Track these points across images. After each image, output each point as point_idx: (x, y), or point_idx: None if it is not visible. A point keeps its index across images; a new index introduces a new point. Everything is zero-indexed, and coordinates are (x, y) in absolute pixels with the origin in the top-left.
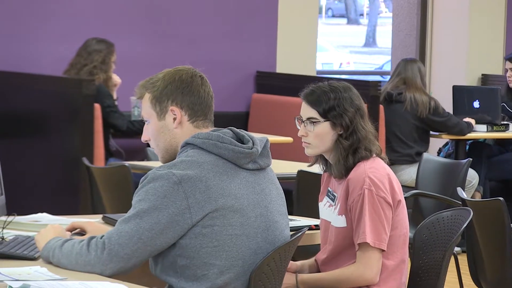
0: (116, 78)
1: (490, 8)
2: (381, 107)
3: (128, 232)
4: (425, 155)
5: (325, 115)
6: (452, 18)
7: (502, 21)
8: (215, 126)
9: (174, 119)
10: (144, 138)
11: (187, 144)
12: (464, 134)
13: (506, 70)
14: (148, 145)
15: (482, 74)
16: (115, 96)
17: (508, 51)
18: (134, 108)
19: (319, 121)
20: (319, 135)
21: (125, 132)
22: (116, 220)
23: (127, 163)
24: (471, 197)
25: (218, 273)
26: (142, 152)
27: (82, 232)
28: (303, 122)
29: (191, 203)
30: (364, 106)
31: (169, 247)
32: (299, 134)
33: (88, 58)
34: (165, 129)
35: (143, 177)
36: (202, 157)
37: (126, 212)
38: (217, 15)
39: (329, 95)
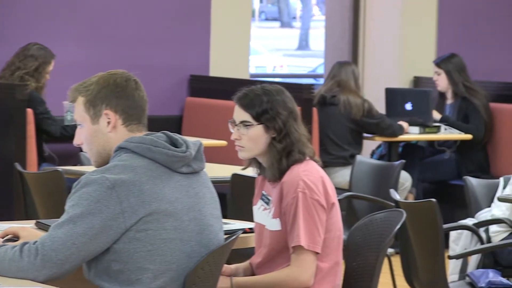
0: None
1: (422, 10)
2: (315, 109)
3: (61, 238)
4: (358, 157)
5: (258, 118)
6: (385, 20)
7: (434, 23)
8: (148, 130)
9: (108, 123)
10: (76, 142)
11: (120, 148)
12: (397, 136)
13: (435, 73)
14: (81, 150)
15: (415, 77)
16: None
17: (440, 53)
18: (67, 113)
19: (252, 124)
20: (252, 138)
21: (59, 138)
22: (50, 226)
23: (60, 168)
24: (404, 199)
25: (152, 277)
26: (75, 157)
27: (14, 238)
28: (237, 125)
29: (124, 207)
30: (297, 109)
31: (103, 251)
32: (233, 137)
33: (22, 61)
34: (98, 133)
35: (76, 182)
36: (136, 161)
37: (59, 218)
38: (150, 19)
39: (262, 98)
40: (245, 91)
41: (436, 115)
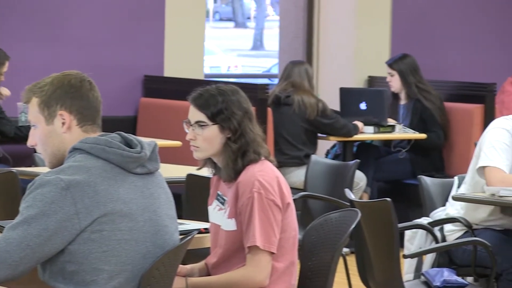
0: (5, 92)
1: (376, 10)
2: (269, 110)
3: (15, 239)
4: (313, 157)
5: (213, 118)
6: (339, 20)
7: (388, 23)
8: (103, 131)
9: (63, 123)
10: (30, 142)
11: (74, 149)
12: (351, 136)
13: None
14: (35, 151)
15: (369, 76)
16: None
17: (394, 53)
18: (22, 114)
19: (207, 125)
20: (207, 139)
21: (13, 139)
22: (4, 227)
23: (14, 169)
24: (359, 198)
25: (107, 278)
26: (29, 158)
27: None
28: (192, 125)
29: (79, 208)
30: (252, 109)
31: (58, 253)
32: (188, 137)
33: None
34: (53, 133)
35: (30, 183)
36: (90, 162)
37: (13, 219)
38: (104, 20)
39: (217, 99)
40: (200, 91)
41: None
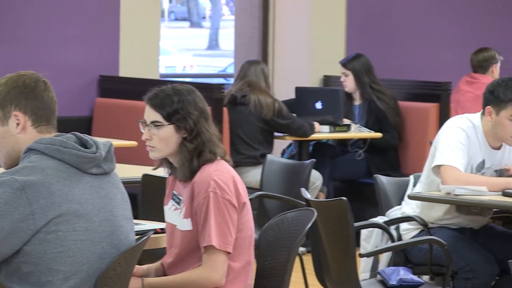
0: None
1: (331, 10)
2: (225, 109)
3: None
4: (269, 156)
5: (169, 118)
6: (294, 20)
7: (343, 22)
8: (58, 131)
9: (18, 124)
10: None
11: (29, 150)
12: (308, 136)
13: (342, 74)
14: None
15: (324, 75)
16: None
17: (349, 52)
18: None
19: (163, 125)
20: (163, 139)
21: None
22: None
23: None
24: (315, 198)
25: (63, 279)
26: None
27: None
28: (147, 125)
29: (34, 209)
30: (208, 109)
31: (13, 253)
32: (143, 137)
33: None
34: (8, 134)
35: None
36: (45, 163)
37: None
38: (59, 19)
39: (172, 99)
40: (155, 91)
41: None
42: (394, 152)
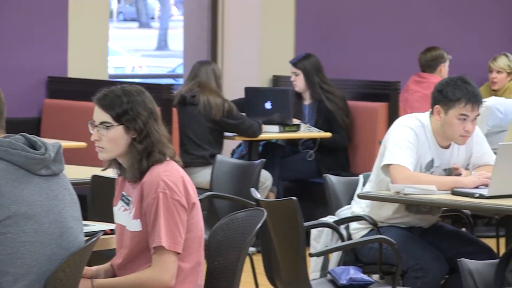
0: None
1: (280, 10)
2: (175, 110)
3: None
4: (219, 156)
5: (118, 119)
6: (243, 20)
7: (292, 22)
8: (6, 133)
9: None
10: None
11: None
12: (257, 136)
13: (292, 73)
14: None
15: (274, 76)
16: None
17: (298, 52)
18: None
19: (113, 125)
20: (112, 139)
21: None
22: None
23: None
24: (265, 197)
25: (12, 281)
26: None
27: None
28: (96, 126)
29: None
30: (158, 110)
31: None
32: (92, 138)
33: None
34: None
35: None
36: None
37: None
38: (6, 20)
39: (122, 99)
40: (105, 92)
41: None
42: (343, 151)
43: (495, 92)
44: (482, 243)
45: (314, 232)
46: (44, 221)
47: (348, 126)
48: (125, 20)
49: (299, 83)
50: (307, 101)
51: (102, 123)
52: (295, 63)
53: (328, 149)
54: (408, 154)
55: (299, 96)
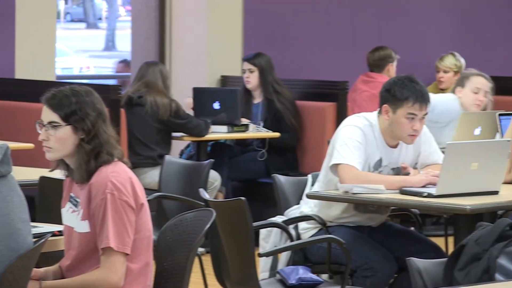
0: None
1: (228, 10)
2: (122, 110)
3: None
4: (167, 157)
5: (66, 119)
6: (191, 21)
7: (239, 22)
8: None
9: None
10: None
11: None
12: (203, 135)
13: (244, 71)
14: None
15: (222, 76)
16: None
17: (246, 52)
18: None
19: (61, 125)
20: (60, 139)
21: None
22: None
23: None
24: (214, 198)
25: None
26: None
27: None
28: (45, 126)
29: None
30: (106, 111)
31: None
32: (40, 138)
33: None
34: None
35: None
36: None
37: None
38: None
39: (70, 99)
40: (53, 92)
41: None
42: (292, 151)
43: (442, 91)
44: (430, 242)
45: (263, 232)
46: None
47: (296, 127)
48: (72, 20)
49: (253, 80)
50: (257, 99)
51: (50, 123)
52: (251, 60)
53: (277, 149)
54: (357, 154)
55: (249, 94)
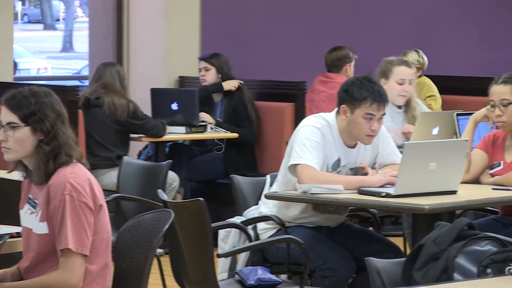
0: None
1: (186, 11)
2: (80, 112)
3: None
4: (125, 158)
5: (25, 120)
6: (148, 21)
7: (197, 23)
8: None
9: None
10: None
11: None
12: (161, 136)
13: (200, 70)
14: None
15: (179, 76)
16: None
17: (204, 52)
18: None
19: (19, 126)
20: (19, 140)
21: None
22: None
23: None
24: (172, 199)
25: None
26: None
27: None
28: (3, 126)
29: None
30: (65, 112)
31: None
32: None
33: None
34: None
35: None
36: None
37: None
38: None
39: (30, 100)
40: (13, 93)
41: (210, 119)
42: (251, 152)
43: None
44: (389, 241)
45: (221, 232)
46: None
47: (255, 122)
48: (29, 22)
49: (208, 78)
50: (217, 98)
51: (9, 123)
52: (207, 59)
53: (235, 147)
54: (315, 154)
55: (206, 91)
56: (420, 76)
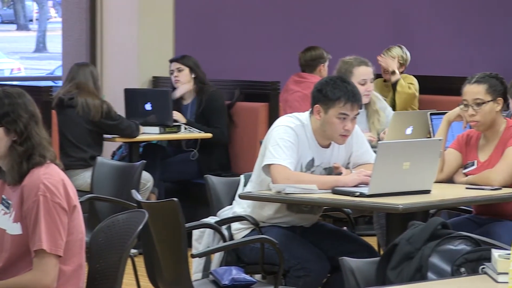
0: None
1: (159, 11)
2: (54, 112)
3: None
4: (99, 158)
5: None
6: (122, 22)
7: (170, 23)
8: None
9: None
10: None
11: None
12: (134, 136)
13: (172, 72)
14: None
15: (153, 77)
16: None
17: (178, 53)
18: None
19: None
20: None
21: None
22: None
23: None
24: (146, 199)
25: None
26: None
27: None
28: None
29: None
30: (39, 112)
31: None
32: None
33: None
34: None
35: None
36: None
37: None
38: None
39: (3, 101)
40: None
41: (181, 118)
42: (224, 151)
43: (386, 84)
44: (363, 241)
45: (195, 233)
46: None
47: (227, 122)
48: (3, 22)
49: (182, 78)
50: (187, 100)
51: None
52: (180, 60)
53: (209, 147)
54: (289, 154)
55: (180, 97)
56: (402, 73)
